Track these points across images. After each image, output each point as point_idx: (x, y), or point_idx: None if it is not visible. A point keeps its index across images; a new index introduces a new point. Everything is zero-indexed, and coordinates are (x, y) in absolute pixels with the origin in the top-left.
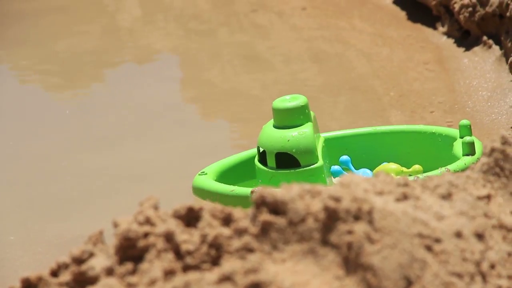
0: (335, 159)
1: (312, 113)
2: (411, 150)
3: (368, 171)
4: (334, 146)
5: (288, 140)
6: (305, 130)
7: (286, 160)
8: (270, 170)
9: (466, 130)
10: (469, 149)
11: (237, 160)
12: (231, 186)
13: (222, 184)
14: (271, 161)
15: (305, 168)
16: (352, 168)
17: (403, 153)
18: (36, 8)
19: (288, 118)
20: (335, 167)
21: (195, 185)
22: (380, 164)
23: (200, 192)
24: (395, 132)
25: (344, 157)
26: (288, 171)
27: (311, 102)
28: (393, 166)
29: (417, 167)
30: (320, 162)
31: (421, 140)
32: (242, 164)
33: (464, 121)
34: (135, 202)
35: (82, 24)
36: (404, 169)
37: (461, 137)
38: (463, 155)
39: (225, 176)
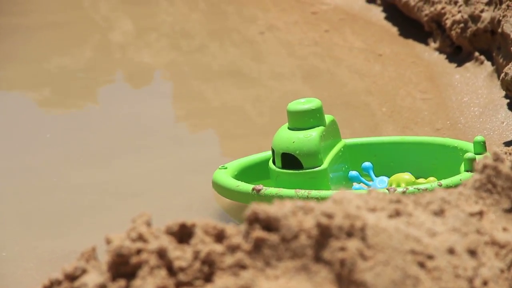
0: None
1: (330, 117)
2: (436, 162)
3: (385, 178)
4: (363, 152)
5: (293, 142)
6: (312, 133)
7: (291, 161)
8: (276, 170)
9: (480, 146)
10: (470, 166)
11: (259, 159)
12: (238, 181)
13: (231, 179)
14: (278, 160)
15: (307, 170)
16: (373, 175)
17: (428, 164)
18: (28, 24)
19: (298, 120)
20: (353, 173)
21: (213, 179)
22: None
23: (215, 185)
24: (421, 143)
25: (366, 164)
26: (292, 171)
27: None
28: (406, 176)
29: (431, 179)
30: (324, 166)
31: (445, 153)
32: (264, 163)
33: (478, 137)
34: (127, 218)
35: (74, 41)
36: (422, 180)
37: (476, 153)
38: (465, 171)
39: (245, 173)
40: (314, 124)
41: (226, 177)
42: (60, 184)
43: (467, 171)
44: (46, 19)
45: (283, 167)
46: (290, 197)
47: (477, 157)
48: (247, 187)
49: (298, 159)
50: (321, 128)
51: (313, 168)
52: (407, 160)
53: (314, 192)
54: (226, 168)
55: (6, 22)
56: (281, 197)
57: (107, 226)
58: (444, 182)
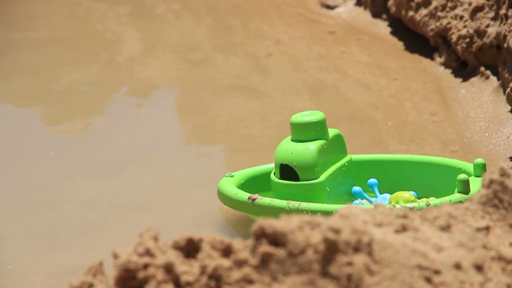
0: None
1: (335, 131)
2: (444, 182)
3: (389, 196)
4: (372, 169)
5: (292, 153)
6: (311, 146)
7: (289, 172)
8: (275, 180)
9: (480, 169)
10: (462, 187)
11: (266, 170)
12: (237, 189)
13: (231, 187)
14: (277, 171)
15: (303, 182)
16: (377, 192)
17: (437, 185)
18: (34, 38)
19: (300, 132)
20: (357, 188)
21: (218, 186)
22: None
23: (218, 193)
24: (431, 164)
25: (372, 180)
26: (289, 183)
27: None
28: (406, 195)
29: (432, 199)
30: (320, 179)
31: (451, 174)
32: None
33: (478, 160)
34: (134, 232)
35: (81, 55)
36: (424, 199)
37: (476, 176)
38: (457, 192)
39: (252, 183)
40: (315, 137)
41: (228, 185)
42: (67, 198)
43: (460, 192)
44: (53, 34)
45: (282, 178)
46: (282, 208)
47: (474, 179)
48: (244, 195)
49: (295, 171)
50: (321, 142)
51: (310, 180)
52: (416, 179)
53: (304, 204)
54: (232, 176)
55: (12, 36)
56: (273, 208)
57: (113, 240)
58: (432, 202)
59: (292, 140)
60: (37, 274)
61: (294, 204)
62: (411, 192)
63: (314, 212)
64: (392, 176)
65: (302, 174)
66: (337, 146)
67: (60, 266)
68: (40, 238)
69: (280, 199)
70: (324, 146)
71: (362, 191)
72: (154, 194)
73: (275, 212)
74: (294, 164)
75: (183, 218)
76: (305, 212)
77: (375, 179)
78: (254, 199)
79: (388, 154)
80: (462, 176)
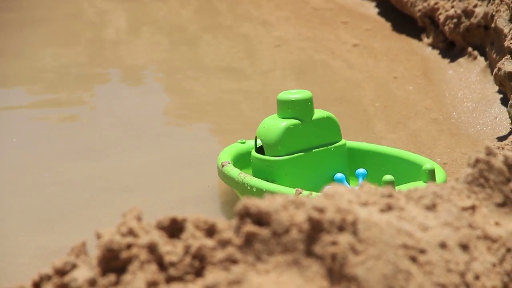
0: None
1: (325, 114)
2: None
3: None
4: (374, 160)
5: (264, 127)
6: (282, 123)
7: (261, 146)
8: (252, 152)
9: (426, 175)
10: None
11: None
12: (225, 156)
13: (223, 153)
14: (255, 143)
15: (266, 158)
16: (361, 182)
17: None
18: (21, 19)
19: (279, 109)
20: (339, 175)
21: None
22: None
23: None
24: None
25: (360, 170)
26: (256, 156)
27: None
28: None
29: None
30: (281, 158)
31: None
32: None
33: (427, 165)
34: (119, 214)
35: (67, 36)
36: None
37: (424, 182)
38: None
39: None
40: (292, 115)
41: (225, 149)
42: (52, 180)
43: None
44: (40, 14)
45: (256, 150)
46: (234, 178)
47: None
48: (229, 169)
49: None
50: (294, 121)
51: (272, 157)
52: (409, 177)
53: (247, 178)
54: (244, 142)
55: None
56: (229, 176)
57: (99, 221)
58: None
59: (278, 116)
60: (22, 256)
61: (242, 176)
62: None
63: (251, 187)
64: (390, 171)
65: (267, 149)
66: (324, 128)
67: (45, 248)
68: (26, 220)
69: (252, 170)
70: (299, 126)
71: (343, 178)
72: (140, 175)
73: (230, 180)
74: (262, 138)
75: (169, 199)
76: (245, 186)
77: (365, 170)
78: (223, 166)
79: (394, 149)
80: (388, 177)
